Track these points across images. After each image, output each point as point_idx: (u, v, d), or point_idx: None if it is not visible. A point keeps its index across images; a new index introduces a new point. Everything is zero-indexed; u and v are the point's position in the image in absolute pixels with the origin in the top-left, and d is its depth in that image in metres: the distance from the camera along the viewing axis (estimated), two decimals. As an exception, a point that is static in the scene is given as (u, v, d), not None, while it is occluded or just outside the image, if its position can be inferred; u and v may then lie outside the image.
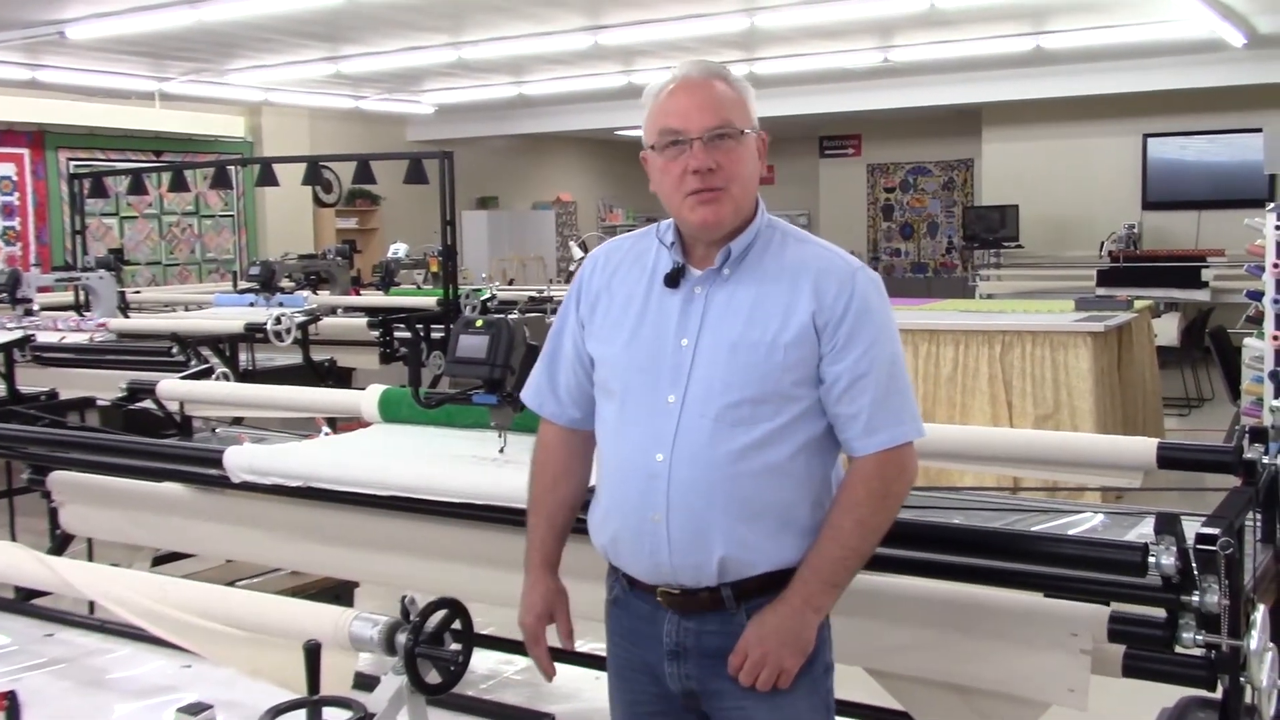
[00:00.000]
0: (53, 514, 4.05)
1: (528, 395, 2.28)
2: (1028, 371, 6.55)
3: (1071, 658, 2.28)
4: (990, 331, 6.70)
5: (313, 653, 1.86)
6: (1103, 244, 12.71)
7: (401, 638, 1.93)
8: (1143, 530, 2.57)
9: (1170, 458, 2.65)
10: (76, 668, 2.61)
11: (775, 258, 2.05)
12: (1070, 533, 2.62)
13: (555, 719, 2.28)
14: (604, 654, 2.26)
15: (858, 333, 1.97)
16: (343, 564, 3.39)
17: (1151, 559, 2.09)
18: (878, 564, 2.44)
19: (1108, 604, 2.31)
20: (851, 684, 2.72)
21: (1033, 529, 2.61)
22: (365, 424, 3.67)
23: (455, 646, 1.97)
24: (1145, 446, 2.67)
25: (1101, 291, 9.21)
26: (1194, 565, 2.09)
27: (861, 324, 1.98)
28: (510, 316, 3.11)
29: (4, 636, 2.79)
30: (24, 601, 3.29)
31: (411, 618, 1.94)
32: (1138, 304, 7.57)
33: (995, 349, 6.63)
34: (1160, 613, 2.25)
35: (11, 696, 2.20)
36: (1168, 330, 9.53)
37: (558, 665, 2.21)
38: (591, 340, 2.15)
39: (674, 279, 2.06)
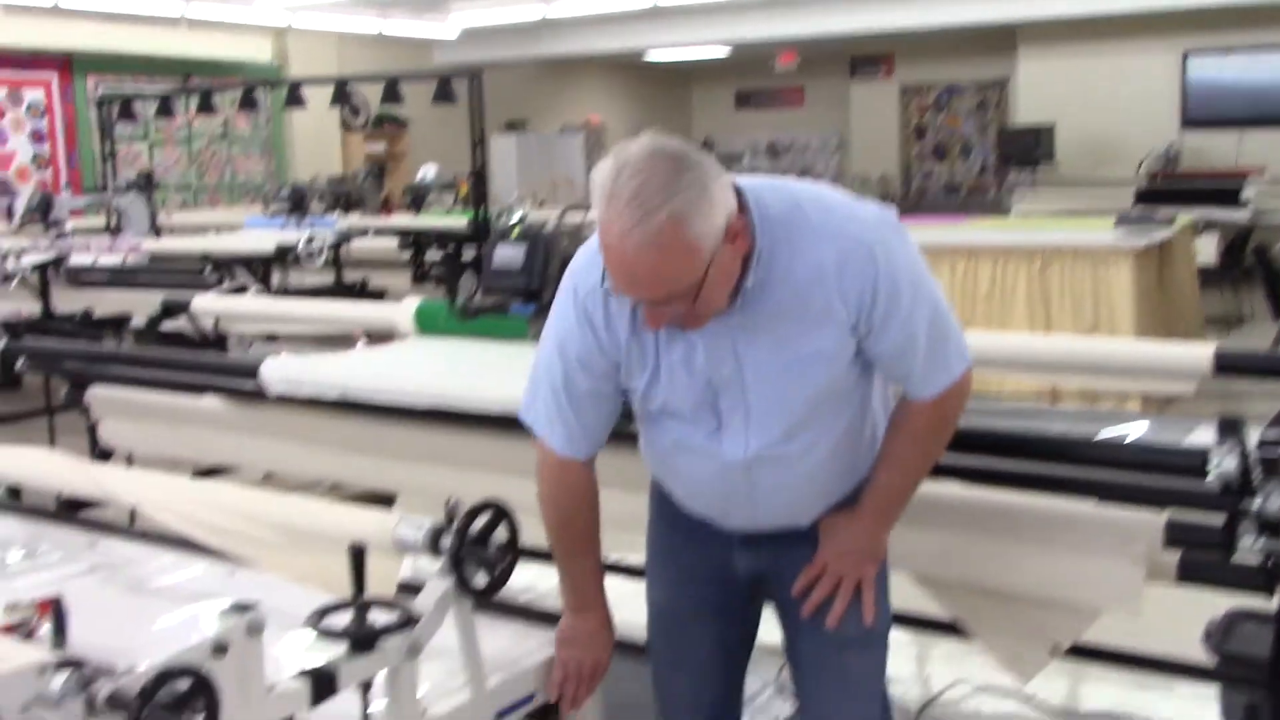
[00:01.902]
0: (91, 431, 4.06)
1: (556, 440, 2.03)
2: (1067, 289, 6.45)
3: (1126, 564, 2.24)
4: (1029, 249, 6.58)
5: (358, 555, 1.84)
6: (1140, 164, 12.49)
7: (447, 540, 1.90)
8: (1193, 438, 2.52)
9: (1228, 364, 2.59)
10: (120, 575, 2.61)
11: (786, 270, 1.82)
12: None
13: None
14: (641, 566, 2.25)
15: (892, 312, 1.85)
16: (381, 476, 3.38)
17: (1212, 463, 2.04)
18: (933, 470, 2.41)
19: (1163, 511, 2.27)
20: (899, 592, 2.70)
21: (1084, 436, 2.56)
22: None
23: (501, 548, 1.94)
24: (1201, 353, 2.62)
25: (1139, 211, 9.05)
26: (1255, 470, 2.05)
27: (894, 302, 1.84)
28: (547, 228, 3.07)
29: (47, 545, 2.79)
30: (66, 513, 3.30)
31: (456, 520, 1.91)
32: (1179, 221, 7.43)
33: (1034, 267, 6.53)
34: (1217, 520, 2.21)
35: (57, 603, 2.20)
36: (1206, 250, 9.37)
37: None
38: (620, 375, 1.97)
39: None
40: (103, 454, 3.99)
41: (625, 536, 2.27)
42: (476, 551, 1.91)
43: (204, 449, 3.78)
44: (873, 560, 2.05)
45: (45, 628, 2.17)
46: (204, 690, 1.49)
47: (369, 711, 1.80)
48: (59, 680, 1.45)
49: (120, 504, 2.50)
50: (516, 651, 2.17)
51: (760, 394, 1.89)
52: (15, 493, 3.78)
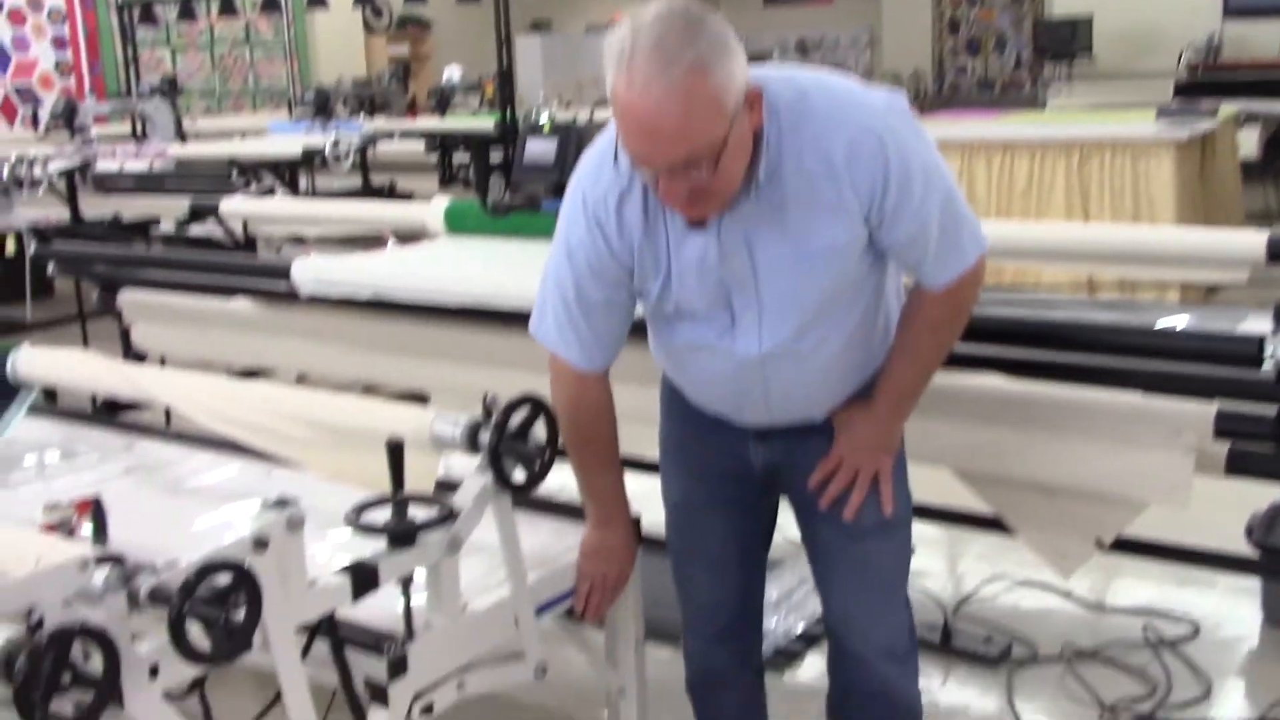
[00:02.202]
0: (125, 336, 4.06)
1: (571, 354, 1.97)
2: (1106, 183, 6.32)
3: (1174, 456, 2.20)
4: (1067, 143, 6.44)
5: (396, 450, 1.82)
6: (1180, 55, 12.19)
7: (485, 435, 1.88)
8: (1246, 327, 2.46)
9: (1283, 252, 2.52)
10: (157, 475, 2.61)
11: (795, 161, 1.77)
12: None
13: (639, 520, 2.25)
14: (654, 460, 2.22)
15: (904, 200, 1.79)
16: (415, 376, 3.37)
17: (1268, 351, 1.99)
18: (970, 362, 2.37)
19: (1212, 402, 2.23)
20: (940, 487, 2.68)
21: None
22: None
23: (540, 444, 1.92)
24: (1255, 240, 2.54)
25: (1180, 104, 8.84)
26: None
27: (905, 191, 1.78)
28: (578, 123, 3.01)
29: (84, 447, 2.80)
30: (103, 415, 3.31)
31: (494, 415, 1.89)
32: (1221, 113, 7.25)
33: (1072, 161, 6.39)
34: (1268, 411, 2.17)
35: (97, 504, 2.20)
36: (1248, 143, 9.16)
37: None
38: (633, 281, 1.92)
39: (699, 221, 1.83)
40: (136, 358, 3.99)
41: (640, 430, 2.24)
42: (515, 447, 1.89)
43: (236, 352, 3.77)
44: (888, 452, 2.02)
45: (85, 528, 2.18)
46: (246, 584, 1.48)
47: (410, 606, 1.80)
48: (100, 575, 1.44)
49: (156, 404, 2.50)
50: (556, 547, 2.16)
51: (773, 289, 1.85)
52: (51, 396, 3.80)
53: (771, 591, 3.33)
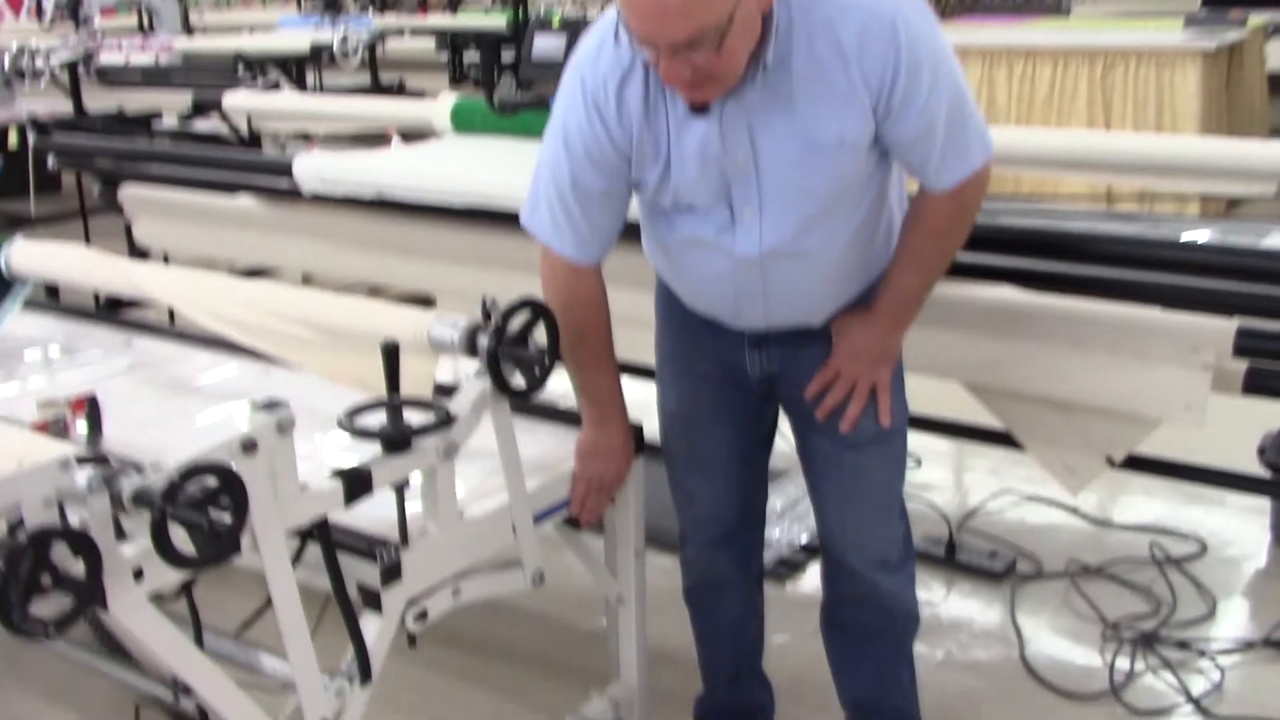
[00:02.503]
0: (128, 232, 4.01)
1: (565, 247, 1.93)
2: (1130, 94, 6.18)
3: (1191, 373, 2.15)
4: (1091, 51, 6.28)
5: (391, 352, 1.77)
6: (1211, -38, 11.89)
7: (483, 339, 1.83)
8: (1270, 241, 2.39)
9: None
10: (157, 374, 2.58)
11: (805, 48, 1.71)
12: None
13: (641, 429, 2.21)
14: (651, 365, 2.18)
15: (913, 91, 1.72)
16: (420, 277, 3.32)
17: (1293, 265, 1.92)
18: (984, 273, 2.31)
19: (1233, 318, 2.16)
20: (949, 400, 2.64)
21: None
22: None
23: (540, 348, 1.87)
24: (1282, 152, 2.46)
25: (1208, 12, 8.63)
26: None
27: (914, 81, 1.72)
28: (588, 19, 2.91)
29: (85, 344, 2.76)
30: (105, 312, 3.27)
31: (493, 319, 1.83)
32: (1251, 23, 7.07)
33: (1095, 70, 6.25)
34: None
35: (92, 401, 2.17)
36: (1277, 55, 8.96)
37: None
38: (630, 170, 1.87)
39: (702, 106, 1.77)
40: (139, 255, 3.95)
41: (641, 336, 2.19)
42: (514, 351, 1.83)
43: (240, 250, 3.72)
44: (887, 363, 1.98)
45: (81, 425, 2.15)
46: (231, 487, 1.45)
47: (405, 512, 1.76)
48: (84, 476, 1.40)
49: (152, 300, 2.45)
50: (556, 455, 2.12)
51: (775, 184, 1.80)
52: (54, 292, 3.76)
53: (776, 502, 3.32)
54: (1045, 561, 3.09)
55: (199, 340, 2.67)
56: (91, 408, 2.17)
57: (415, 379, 1.95)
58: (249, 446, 1.49)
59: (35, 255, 2.60)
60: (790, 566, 3.12)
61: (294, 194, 3.26)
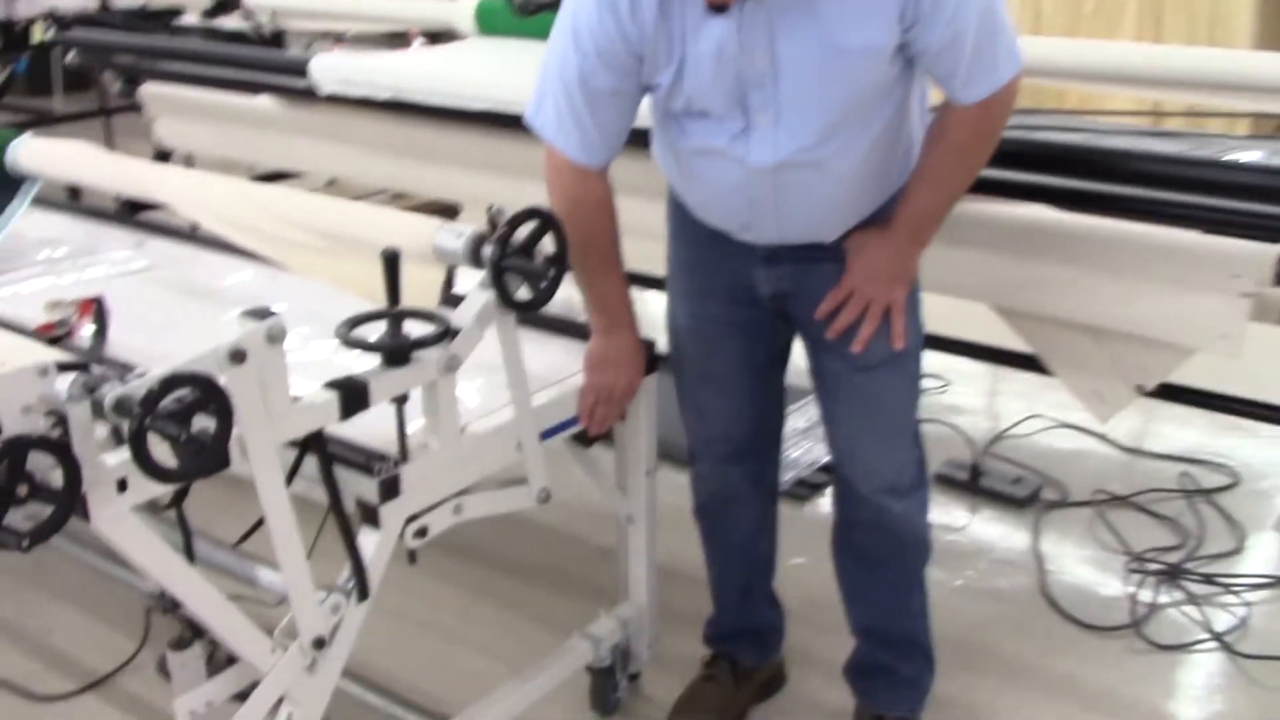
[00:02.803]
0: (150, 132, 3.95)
1: (571, 147, 1.85)
2: (1182, 5, 5.99)
3: (1229, 300, 2.06)
4: (1144, -40, 6.08)
5: (391, 261, 1.71)
6: None
7: (488, 249, 1.76)
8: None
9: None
10: (170, 276, 2.53)
11: None
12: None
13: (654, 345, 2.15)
14: (661, 275, 2.12)
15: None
16: (442, 184, 3.24)
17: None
18: (1016, 190, 2.22)
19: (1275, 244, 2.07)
20: (978, 323, 2.55)
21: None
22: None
23: (547, 259, 1.80)
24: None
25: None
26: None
27: None
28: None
29: (101, 244, 2.72)
30: (124, 214, 3.22)
31: (499, 228, 1.77)
32: (1316, -65, 6.80)
33: (1148, -20, 6.05)
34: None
35: (98, 303, 2.13)
36: (1341, -30, 8.64)
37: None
38: (642, 71, 1.78)
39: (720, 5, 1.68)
40: (161, 155, 3.89)
41: (655, 248, 2.12)
42: (520, 262, 1.77)
43: (260, 152, 3.66)
44: (903, 283, 1.90)
45: (87, 328, 2.11)
46: (215, 398, 1.40)
47: (404, 427, 1.72)
48: (64, 382, 1.35)
49: (156, 200, 2.40)
50: (564, 370, 2.06)
51: (793, 91, 1.71)
52: (76, 194, 3.72)
53: (799, 421, 3.27)
54: (1072, 489, 3.03)
55: (217, 244, 2.62)
56: (98, 310, 2.13)
57: (421, 288, 1.90)
58: (237, 356, 1.44)
59: (44, 153, 2.55)
60: (810, 487, 3.07)
61: (311, 94, 3.18)
